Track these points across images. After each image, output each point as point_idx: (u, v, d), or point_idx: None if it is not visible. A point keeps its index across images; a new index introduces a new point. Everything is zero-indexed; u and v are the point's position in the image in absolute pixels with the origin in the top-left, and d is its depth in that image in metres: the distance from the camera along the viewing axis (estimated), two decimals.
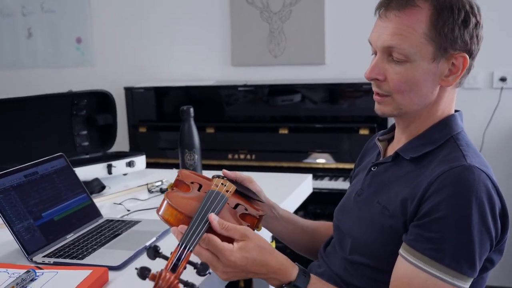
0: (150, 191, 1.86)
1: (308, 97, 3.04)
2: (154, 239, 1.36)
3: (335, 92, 3.01)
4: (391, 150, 1.23)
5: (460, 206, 0.99)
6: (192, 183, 1.22)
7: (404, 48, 1.08)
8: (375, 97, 1.16)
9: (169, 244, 1.10)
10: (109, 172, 1.99)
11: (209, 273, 0.96)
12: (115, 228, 1.45)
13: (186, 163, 1.85)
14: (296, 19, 3.29)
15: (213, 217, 1.06)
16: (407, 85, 1.10)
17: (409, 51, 1.08)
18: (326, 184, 2.83)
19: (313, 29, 3.26)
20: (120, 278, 1.17)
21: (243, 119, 3.17)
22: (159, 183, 1.89)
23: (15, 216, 1.30)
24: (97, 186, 1.84)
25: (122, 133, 3.19)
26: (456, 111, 1.19)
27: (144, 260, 1.25)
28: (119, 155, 2.12)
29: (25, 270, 1.14)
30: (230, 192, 1.21)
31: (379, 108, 1.17)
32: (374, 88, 1.16)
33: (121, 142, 3.12)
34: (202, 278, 1.14)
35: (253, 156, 3.01)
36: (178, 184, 1.23)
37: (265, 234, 1.40)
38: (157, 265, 0.94)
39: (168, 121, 3.29)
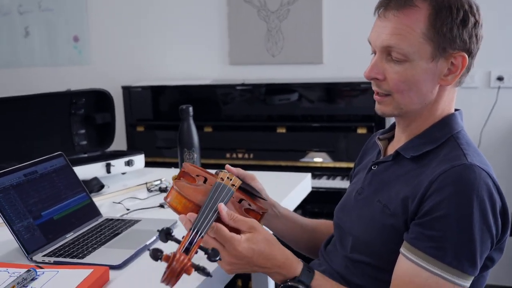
0: (149, 190, 1.86)
1: (306, 96, 3.04)
2: (154, 238, 1.36)
3: (333, 91, 3.01)
4: (392, 149, 1.24)
5: (461, 205, 1.00)
6: (197, 176, 1.24)
7: (403, 47, 1.08)
8: (375, 97, 1.17)
9: (170, 244, 1.10)
10: (108, 171, 1.99)
11: (220, 259, 0.97)
12: (115, 227, 1.45)
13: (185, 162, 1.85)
14: (293, 18, 3.29)
15: (222, 207, 1.08)
16: (406, 85, 1.10)
17: (408, 51, 1.08)
18: (324, 183, 2.83)
19: (310, 28, 3.26)
20: (121, 277, 1.17)
21: (241, 118, 3.16)
22: (158, 182, 1.89)
23: (14, 215, 1.30)
24: (96, 185, 1.84)
25: (120, 132, 3.18)
26: (456, 110, 1.20)
27: (144, 260, 1.26)
28: (118, 154, 2.11)
29: (26, 270, 1.14)
30: (235, 186, 1.23)
31: (379, 108, 1.18)
32: (374, 88, 1.16)
33: (119, 141, 3.10)
34: (203, 277, 1.14)
35: (251, 155, 3.01)
36: (183, 175, 1.24)
37: None
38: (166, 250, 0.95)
39: (166, 120, 3.29)
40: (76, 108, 2.16)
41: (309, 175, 2.03)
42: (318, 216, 1.55)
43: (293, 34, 3.31)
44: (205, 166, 1.95)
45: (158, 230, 0.97)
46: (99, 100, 2.23)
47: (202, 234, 1.00)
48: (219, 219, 1.07)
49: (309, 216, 1.47)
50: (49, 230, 1.36)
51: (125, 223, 1.48)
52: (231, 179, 1.24)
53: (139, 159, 2.09)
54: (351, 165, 2.79)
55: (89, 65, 3.82)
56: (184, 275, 0.92)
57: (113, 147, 2.30)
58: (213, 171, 1.31)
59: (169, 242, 0.96)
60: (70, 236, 1.39)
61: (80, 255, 1.27)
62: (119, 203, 1.73)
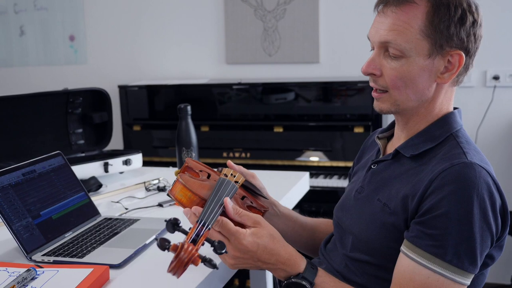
0: (147, 189, 1.85)
1: (302, 95, 3.05)
2: (153, 237, 1.36)
3: (329, 90, 3.01)
4: (391, 147, 1.24)
5: (462, 203, 1.00)
6: (200, 171, 1.24)
7: (400, 43, 1.09)
8: (373, 94, 1.18)
9: (173, 237, 1.10)
10: (106, 170, 1.98)
11: (226, 251, 0.98)
12: (114, 227, 1.45)
13: (183, 161, 1.85)
14: (290, 17, 3.29)
15: (228, 201, 1.09)
16: (402, 81, 1.11)
17: (404, 47, 1.09)
18: (321, 182, 2.83)
19: (307, 28, 3.27)
20: (121, 276, 1.17)
21: (237, 117, 3.16)
22: (156, 181, 1.89)
23: (13, 214, 1.30)
24: (94, 185, 1.83)
25: (116, 131, 3.16)
26: (455, 108, 1.20)
27: (144, 259, 1.26)
28: (115, 153, 2.11)
29: (26, 269, 1.14)
30: (239, 183, 1.24)
31: (377, 105, 1.18)
32: (371, 83, 1.17)
33: (115, 140, 3.10)
34: (204, 275, 1.15)
35: (248, 154, 3.01)
36: (187, 169, 1.24)
37: None
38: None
39: (163, 119, 3.28)
40: (73, 107, 2.16)
41: (307, 174, 2.03)
42: (315, 215, 1.55)
43: (289, 33, 3.31)
44: None
45: (165, 220, 0.97)
46: (96, 99, 2.22)
47: (209, 226, 1.01)
48: (224, 214, 1.08)
49: (306, 215, 1.47)
50: (48, 229, 1.36)
51: (124, 222, 1.48)
52: (234, 176, 1.25)
53: (137, 158, 2.08)
54: (348, 164, 2.84)
55: (85, 65, 3.81)
56: (186, 271, 0.91)
57: (109, 146, 2.30)
58: (214, 169, 1.31)
59: (169, 241, 0.95)
60: (69, 236, 1.39)
61: (80, 255, 1.26)
62: (117, 202, 1.73)
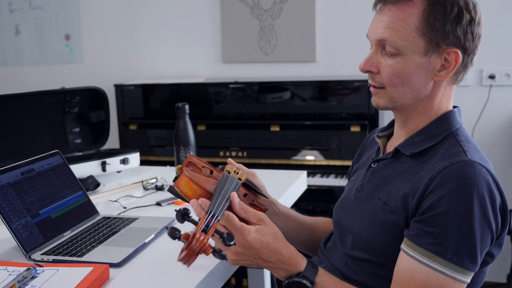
0: (145, 188, 1.85)
1: (299, 94, 3.05)
2: (152, 236, 1.36)
3: (325, 89, 3.02)
4: (391, 146, 1.25)
5: (462, 201, 1.01)
6: (203, 167, 1.25)
7: (396, 41, 1.10)
8: (370, 88, 1.19)
9: (169, 242, 1.10)
10: (103, 170, 1.97)
11: (234, 243, 0.98)
12: (113, 225, 1.44)
13: (181, 160, 1.85)
14: (286, 16, 3.29)
15: (234, 196, 1.10)
16: (399, 78, 1.12)
17: (400, 44, 1.09)
18: (318, 181, 2.84)
19: (303, 27, 3.27)
20: (121, 275, 1.17)
21: (234, 116, 3.16)
22: (154, 180, 1.88)
23: (12, 213, 1.29)
24: (91, 184, 1.83)
25: (112, 130, 3.16)
26: (454, 107, 1.21)
27: (144, 258, 1.26)
28: (113, 152, 2.10)
29: (26, 268, 1.13)
30: (241, 180, 1.24)
31: (374, 100, 1.19)
32: (369, 80, 1.19)
33: (111, 139, 3.09)
34: (204, 274, 1.15)
35: (244, 153, 3.01)
36: (190, 165, 1.24)
37: None
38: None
39: (159, 118, 3.28)
40: (70, 106, 2.15)
41: (304, 173, 2.04)
42: (312, 214, 1.55)
43: (286, 32, 3.31)
44: None
45: (175, 210, 0.98)
46: (93, 98, 2.21)
47: (218, 217, 1.02)
48: (229, 209, 1.08)
49: (304, 214, 1.48)
50: (47, 228, 1.35)
51: (123, 221, 1.47)
52: (237, 173, 1.26)
53: (134, 157, 2.08)
54: (344, 163, 2.84)
55: (81, 64, 3.79)
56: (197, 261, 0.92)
57: (106, 146, 2.29)
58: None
59: (180, 230, 0.95)
60: (68, 235, 1.39)
61: (79, 253, 1.26)
62: (115, 201, 1.72)
